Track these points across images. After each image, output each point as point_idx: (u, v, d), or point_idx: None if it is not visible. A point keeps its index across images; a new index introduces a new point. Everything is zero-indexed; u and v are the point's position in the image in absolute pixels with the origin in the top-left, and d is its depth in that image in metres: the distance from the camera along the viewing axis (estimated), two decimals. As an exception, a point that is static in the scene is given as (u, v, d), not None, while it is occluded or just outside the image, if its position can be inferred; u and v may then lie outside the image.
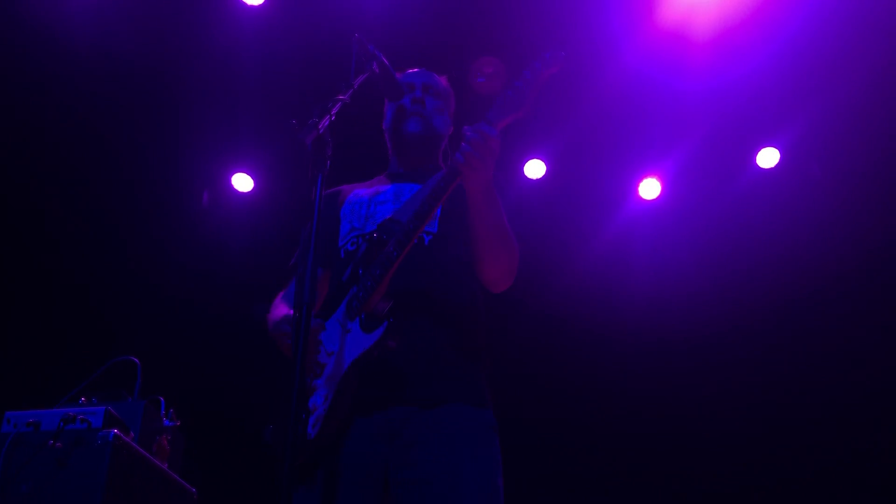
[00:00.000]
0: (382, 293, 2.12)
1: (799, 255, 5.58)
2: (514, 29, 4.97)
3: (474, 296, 2.33)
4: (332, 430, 2.08)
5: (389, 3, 4.75)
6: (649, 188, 5.68)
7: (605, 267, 5.82)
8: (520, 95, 2.08)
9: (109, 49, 4.92)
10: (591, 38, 4.89)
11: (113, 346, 3.34)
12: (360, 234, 2.36)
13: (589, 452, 5.88)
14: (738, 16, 4.83)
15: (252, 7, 4.88)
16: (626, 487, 5.86)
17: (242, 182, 5.77)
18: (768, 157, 5.51)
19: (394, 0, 4.75)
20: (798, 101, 5.19)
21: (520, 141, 5.54)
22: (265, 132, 5.43)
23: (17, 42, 4.85)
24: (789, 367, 5.75)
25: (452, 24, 4.96)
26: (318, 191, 1.93)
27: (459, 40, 5.00)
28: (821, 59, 4.93)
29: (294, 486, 2.04)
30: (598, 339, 5.88)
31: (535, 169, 5.64)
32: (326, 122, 1.96)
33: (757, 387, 5.81)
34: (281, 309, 2.38)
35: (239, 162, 5.73)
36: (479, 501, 2.00)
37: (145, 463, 2.81)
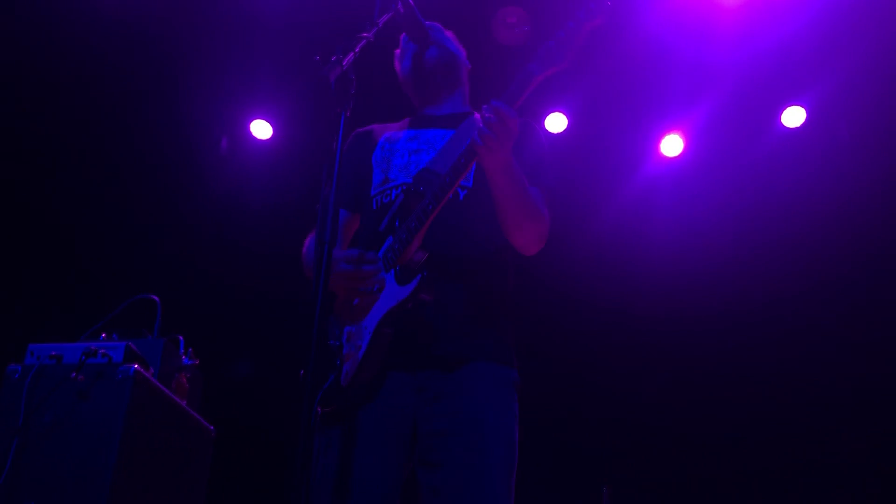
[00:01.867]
0: (417, 246, 2.13)
1: (824, 216, 5.51)
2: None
3: (504, 254, 2.34)
4: (363, 379, 2.12)
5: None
6: (672, 145, 5.62)
7: (625, 223, 5.78)
8: (562, 47, 2.02)
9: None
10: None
11: (133, 285, 3.38)
12: (395, 185, 2.34)
13: (604, 413, 5.91)
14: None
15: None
16: (641, 451, 5.89)
17: (261, 129, 5.75)
18: (794, 116, 5.41)
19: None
20: (826, 58, 5.08)
21: (541, 93, 5.47)
22: (285, 78, 5.39)
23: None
24: (811, 328, 5.71)
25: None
26: (340, 129, 1.92)
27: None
28: (851, 16, 4.81)
29: (324, 431, 2.11)
30: (617, 298, 5.87)
31: (556, 122, 5.58)
32: (350, 59, 1.94)
33: (773, 346, 5.79)
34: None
35: (258, 109, 5.70)
36: (500, 453, 2.08)
37: (165, 399, 2.86)
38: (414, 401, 2.12)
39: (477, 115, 2.48)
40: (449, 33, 2.59)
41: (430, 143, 2.40)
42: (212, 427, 3.19)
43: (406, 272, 2.11)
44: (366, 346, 2.11)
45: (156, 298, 3.10)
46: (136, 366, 2.64)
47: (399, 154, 2.40)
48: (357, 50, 1.99)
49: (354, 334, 2.16)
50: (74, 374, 2.59)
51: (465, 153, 2.07)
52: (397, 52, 2.59)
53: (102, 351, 2.66)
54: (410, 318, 2.10)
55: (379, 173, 2.40)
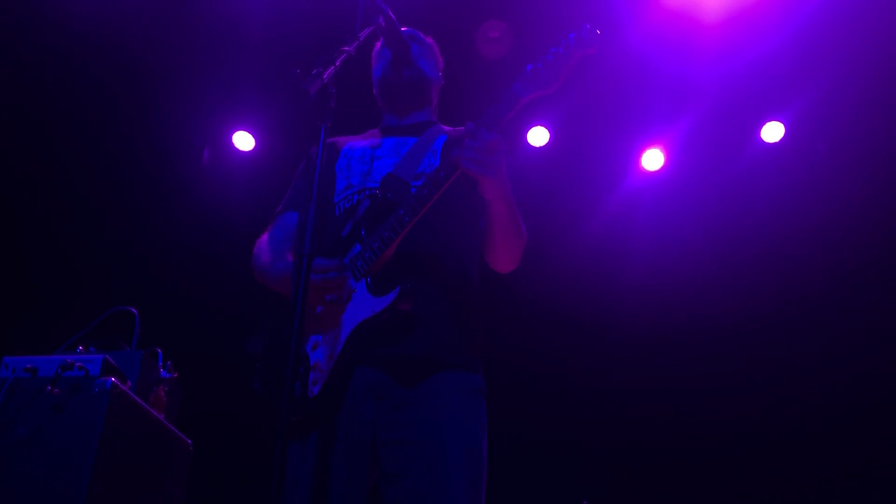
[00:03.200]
0: (390, 256, 2.12)
1: (803, 230, 5.57)
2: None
3: (472, 260, 2.34)
4: (333, 389, 2.09)
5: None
6: (652, 159, 5.66)
7: (606, 237, 5.81)
8: (550, 71, 2.01)
9: (109, 4, 4.86)
10: (600, 4, 4.84)
11: (111, 297, 3.35)
12: (357, 190, 2.33)
13: (584, 426, 5.91)
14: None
15: (255, -39, 4.81)
16: (620, 464, 5.89)
17: (244, 141, 5.74)
18: (773, 132, 5.47)
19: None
20: (805, 74, 5.14)
21: (523, 107, 5.49)
22: (268, 90, 5.39)
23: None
24: (792, 345, 5.75)
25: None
26: (321, 141, 1.92)
27: (464, 3, 4.94)
28: (829, 32, 4.87)
29: (289, 441, 2.07)
30: (597, 311, 5.89)
31: (538, 136, 5.61)
32: (331, 73, 1.94)
33: (754, 359, 5.83)
34: (267, 255, 2.39)
35: (240, 120, 5.69)
36: (463, 462, 2.02)
37: (142, 412, 2.83)
38: (373, 409, 2.08)
39: (441, 126, 2.50)
40: (430, 40, 2.60)
41: (394, 150, 2.39)
42: (189, 441, 3.16)
43: (381, 283, 2.09)
44: (337, 357, 2.08)
45: (134, 311, 3.08)
46: (112, 379, 2.61)
47: (362, 161, 2.40)
48: (338, 63, 1.99)
49: (322, 343, 2.13)
50: (50, 388, 2.56)
51: (446, 167, 2.06)
52: (374, 52, 2.59)
53: (79, 364, 2.63)
54: (385, 328, 2.08)
55: (342, 180, 2.39)
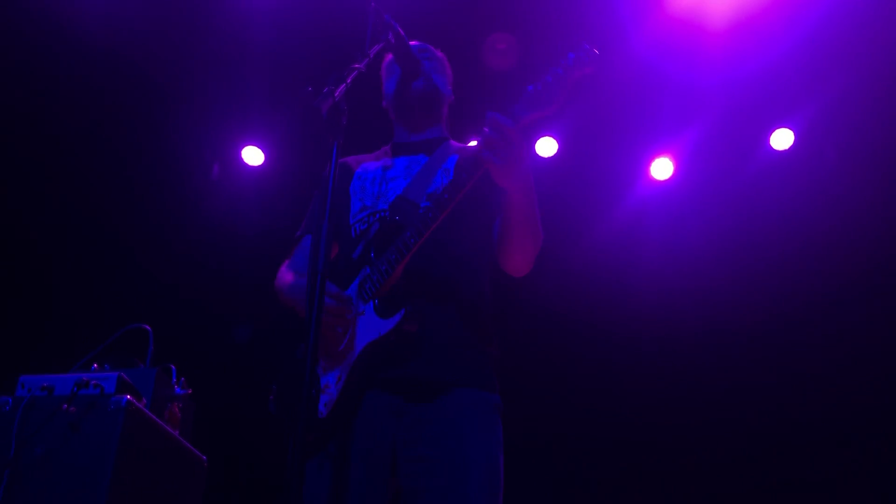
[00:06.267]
0: (397, 278, 2.13)
1: (813, 238, 5.54)
2: (527, 5, 4.93)
3: (484, 278, 2.35)
4: (343, 410, 2.11)
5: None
6: (662, 168, 5.66)
7: (615, 247, 5.80)
8: (551, 92, 2.00)
9: (118, 20, 4.90)
10: (607, 14, 4.85)
11: (125, 315, 3.36)
12: (371, 212, 2.34)
13: (598, 437, 5.89)
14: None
15: (265, -23, 4.85)
16: (632, 477, 5.87)
17: (253, 155, 5.77)
18: (782, 139, 5.46)
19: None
20: (814, 81, 5.14)
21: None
22: (277, 105, 5.42)
23: (29, 15, 4.84)
24: (802, 352, 5.72)
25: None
26: (333, 160, 1.93)
27: (471, 16, 4.97)
28: (838, 39, 4.87)
29: (304, 460, 2.07)
30: (606, 321, 5.87)
31: (546, 147, 5.62)
32: (342, 90, 1.95)
33: (764, 366, 5.80)
34: (290, 276, 2.40)
35: (249, 135, 5.72)
36: (483, 478, 2.04)
37: (157, 429, 2.84)
38: (394, 425, 2.09)
39: (452, 142, 2.51)
40: (440, 54, 2.60)
41: (406, 170, 2.40)
42: (204, 457, 3.17)
43: (388, 305, 2.11)
44: (346, 378, 2.10)
45: (148, 328, 3.09)
46: (128, 396, 2.62)
47: (377, 182, 2.40)
48: (349, 81, 2.00)
49: (330, 364, 2.15)
50: (66, 406, 2.57)
51: (450, 188, 2.08)
52: (384, 65, 2.59)
53: (94, 382, 2.64)
54: (393, 348, 2.09)
55: (356, 202, 2.40)
